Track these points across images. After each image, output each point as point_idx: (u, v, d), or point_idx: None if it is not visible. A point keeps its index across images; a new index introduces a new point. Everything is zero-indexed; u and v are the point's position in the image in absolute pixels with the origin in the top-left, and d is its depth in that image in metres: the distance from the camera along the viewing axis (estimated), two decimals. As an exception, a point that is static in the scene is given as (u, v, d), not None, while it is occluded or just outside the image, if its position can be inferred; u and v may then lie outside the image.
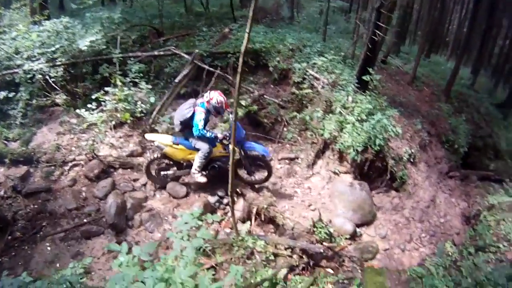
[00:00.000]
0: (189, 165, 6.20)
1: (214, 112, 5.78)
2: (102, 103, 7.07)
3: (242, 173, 6.58)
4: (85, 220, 5.64)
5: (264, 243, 5.27)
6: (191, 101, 5.81)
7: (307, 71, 8.44)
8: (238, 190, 6.26)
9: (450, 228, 7.97)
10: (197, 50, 8.51)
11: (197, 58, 8.48)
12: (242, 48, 3.59)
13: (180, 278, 2.70)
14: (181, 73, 8.24)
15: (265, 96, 8.43)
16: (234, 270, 3.71)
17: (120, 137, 7.31)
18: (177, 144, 5.94)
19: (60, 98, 7.59)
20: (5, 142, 6.70)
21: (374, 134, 7.09)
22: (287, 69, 8.68)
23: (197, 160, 5.90)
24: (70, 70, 8.06)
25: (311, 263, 5.53)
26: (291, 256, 5.40)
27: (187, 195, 6.52)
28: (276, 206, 6.22)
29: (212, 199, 6.42)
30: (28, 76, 7.23)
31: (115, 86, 7.31)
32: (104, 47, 8.38)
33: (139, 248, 3.02)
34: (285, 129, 8.31)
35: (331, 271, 5.71)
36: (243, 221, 6.04)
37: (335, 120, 7.40)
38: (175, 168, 6.33)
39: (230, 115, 5.99)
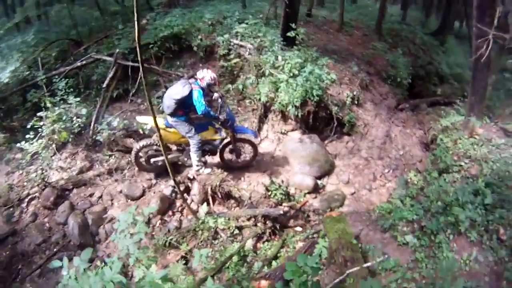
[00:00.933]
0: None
1: (207, 90, 5.43)
2: (39, 129, 6.71)
3: (229, 156, 6.35)
4: (55, 250, 5.49)
5: (224, 220, 5.12)
6: (183, 80, 5.36)
7: (231, 41, 8.02)
8: (189, 175, 6.01)
9: (411, 157, 7.84)
10: (117, 50, 8.02)
11: (120, 58, 7.98)
12: (137, 39, 3.08)
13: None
14: (107, 76, 7.79)
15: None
16: (198, 254, 3.89)
17: (67, 158, 6.96)
18: (170, 127, 5.58)
19: (6, 134, 7.45)
20: None
21: (309, 86, 6.79)
22: (211, 45, 8.25)
23: (193, 156, 5.65)
24: (1, 107, 7.84)
25: (277, 227, 5.28)
26: (255, 225, 5.19)
27: (143, 194, 6.20)
28: (229, 181, 5.83)
29: (167, 191, 6.14)
30: None
31: (46, 109, 6.93)
32: (27, 72, 8.14)
33: (78, 258, 2.74)
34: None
35: (300, 229, 5.48)
36: (203, 203, 5.75)
37: (268, 82, 7.04)
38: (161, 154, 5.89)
39: (219, 99, 5.68)
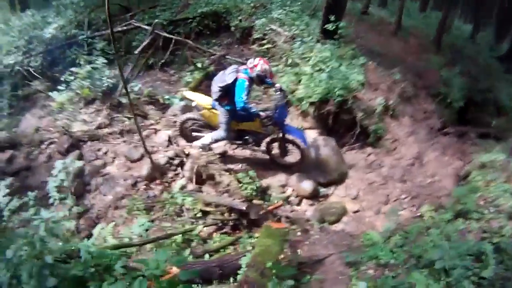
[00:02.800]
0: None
1: (257, 80, 4.95)
2: (70, 83, 6.93)
3: (276, 153, 5.86)
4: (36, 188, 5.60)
5: (192, 200, 4.80)
6: (233, 66, 5.03)
7: (268, 26, 7.36)
8: (185, 150, 5.78)
9: (439, 189, 6.46)
10: (156, 20, 7.83)
11: (158, 28, 7.78)
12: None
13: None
14: (142, 44, 7.65)
15: (226, 57, 7.48)
16: (141, 222, 4.09)
17: (92, 113, 7.01)
18: (215, 109, 5.31)
19: (42, 84, 7.78)
20: None
21: (333, 84, 5.94)
22: (249, 27, 7.69)
23: (207, 138, 5.44)
24: (46, 57, 8.15)
25: (244, 222, 4.64)
26: (222, 214, 4.70)
27: (141, 158, 5.96)
28: (216, 164, 5.33)
29: (162, 161, 5.83)
30: (9, 69, 7.46)
31: (80, 65, 7.11)
32: (75, 30, 8.37)
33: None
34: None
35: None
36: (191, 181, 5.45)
37: (291, 72, 6.30)
38: (207, 131, 5.76)
39: (279, 91, 5.19)
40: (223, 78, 4.88)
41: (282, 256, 4.27)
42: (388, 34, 8.55)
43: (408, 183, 6.47)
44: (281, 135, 5.45)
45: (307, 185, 5.67)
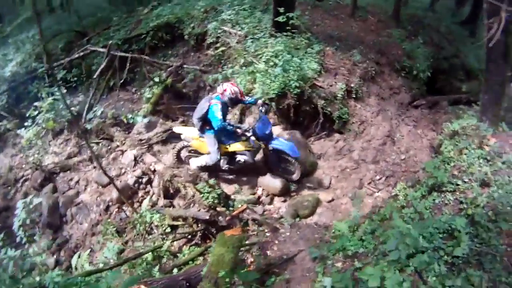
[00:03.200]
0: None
1: (231, 103, 5.24)
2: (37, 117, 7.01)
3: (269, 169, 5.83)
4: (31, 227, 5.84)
5: (160, 217, 4.90)
6: (207, 97, 5.34)
7: (220, 28, 7.24)
8: (150, 167, 5.90)
9: (415, 164, 6.40)
10: (111, 41, 7.73)
11: (113, 49, 7.70)
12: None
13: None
14: (100, 67, 7.61)
15: (184, 66, 7.38)
16: (110, 246, 4.24)
17: (61, 143, 7.19)
18: (203, 138, 5.49)
19: (10, 123, 7.91)
20: None
21: (288, 77, 5.84)
22: (202, 33, 7.56)
23: (202, 160, 5.58)
24: (11, 95, 8.27)
25: (213, 231, 4.58)
26: (191, 226, 4.70)
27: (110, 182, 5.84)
28: (180, 177, 5.30)
29: (131, 181, 5.92)
30: None
31: (42, 99, 7.16)
32: (35, 64, 8.41)
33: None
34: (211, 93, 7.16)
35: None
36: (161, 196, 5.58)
37: (246, 72, 6.19)
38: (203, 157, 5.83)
39: (261, 108, 5.35)
40: (199, 110, 5.17)
41: (251, 260, 4.23)
42: (345, 17, 8.39)
43: (382, 163, 6.37)
44: (265, 148, 5.48)
45: (276, 183, 5.60)
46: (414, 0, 10.64)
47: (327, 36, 7.67)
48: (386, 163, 6.39)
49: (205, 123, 5.22)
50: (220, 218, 4.39)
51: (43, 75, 7.98)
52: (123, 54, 7.52)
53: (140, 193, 5.85)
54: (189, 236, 4.67)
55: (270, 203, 5.68)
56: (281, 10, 6.57)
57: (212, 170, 5.72)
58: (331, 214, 5.36)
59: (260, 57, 6.21)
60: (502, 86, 5.19)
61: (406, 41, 8.15)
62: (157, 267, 4.15)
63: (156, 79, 7.03)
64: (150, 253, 4.27)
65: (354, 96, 6.77)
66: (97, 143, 6.83)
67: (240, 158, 5.54)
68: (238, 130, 5.15)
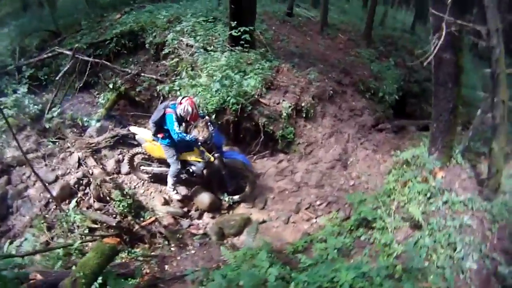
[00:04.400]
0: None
1: (181, 118, 4.98)
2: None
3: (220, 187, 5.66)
4: None
5: (81, 218, 4.97)
6: (164, 103, 5.18)
7: (178, 39, 7.09)
8: (90, 170, 5.93)
9: (365, 190, 5.96)
10: (76, 45, 7.69)
11: (79, 52, 7.64)
12: None
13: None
14: (63, 69, 7.61)
15: (141, 75, 7.25)
16: (29, 238, 4.60)
17: (22, 139, 7.00)
18: (157, 141, 5.36)
19: None
20: None
21: (226, 92, 5.60)
22: (162, 42, 7.40)
23: (169, 179, 5.42)
24: None
25: (125, 238, 4.59)
26: (108, 229, 4.73)
27: (56, 180, 6.09)
28: (109, 183, 5.42)
29: (72, 182, 5.95)
30: None
31: (8, 95, 7.11)
32: (10, 59, 8.27)
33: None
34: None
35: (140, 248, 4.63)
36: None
37: (189, 84, 5.98)
38: (154, 165, 5.80)
39: (208, 123, 5.27)
40: (155, 114, 5.04)
41: (147, 271, 4.07)
42: (314, 34, 8.10)
43: (327, 187, 5.99)
44: (220, 160, 5.29)
45: (204, 198, 5.46)
46: (396, 21, 10.18)
47: (287, 52, 7.41)
48: (332, 188, 6.00)
49: (159, 129, 5.07)
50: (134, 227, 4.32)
51: (13, 72, 7.89)
52: (85, 58, 7.44)
53: (80, 194, 5.82)
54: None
55: (199, 218, 5.52)
56: (234, 24, 6.36)
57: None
58: (258, 236, 5.03)
59: (204, 71, 5.98)
60: (452, 113, 4.67)
61: (376, 62, 7.80)
62: (60, 262, 4.13)
63: (111, 85, 6.88)
64: (61, 249, 4.32)
65: (304, 116, 6.43)
66: (54, 142, 6.77)
67: (190, 168, 5.41)
68: (200, 139, 5.04)
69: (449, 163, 4.74)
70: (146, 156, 5.76)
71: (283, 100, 6.28)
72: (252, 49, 6.75)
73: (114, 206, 4.88)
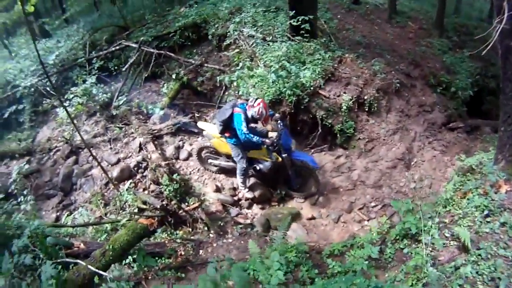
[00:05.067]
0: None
1: (251, 119, 4.95)
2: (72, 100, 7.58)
3: (285, 183, 5.63)
4: (49, 188, 6.75)
5: (133, 198, 5.23)
6: (231, 102, 5.12)
7: (240, 30, 7.07)
8: (149, 154, 6.18)
9: (426, 196, 5.42)
10: (142, 38, 8.14)
11: (144, 45, 8.07)
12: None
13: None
14: (129, 61, 8.07)
15: (204, 65, 7.39)
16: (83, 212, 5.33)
17: (92, 124, 7.75)
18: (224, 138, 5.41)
19: (56, 101, 8.40)
20: (19, 142, 7.99)
21: (282, 84, 5.51)
22: (224, 34, 7.44)
23: (238, 178, 5.49)
24: (59, 78, 8.92)
25: (170, 220, 4.72)
26: (156, 210, 4.83)
27: (117, 162, 6.55)
28: (164, 167, 5.66)
29: (131, 165, 6.33)
30: (28, 90, 8.39)
31: (77, 85, 7.73)
32: (81, 52, 8.99)
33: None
34: (226, 93, 7.08)
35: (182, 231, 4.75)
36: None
37: (247, 75, 5.94)
38: (222, 159, 5.88)
39: (279, 121, 5.14)
40: (221, 114, 4.97)
41: (181, 253, 4.23)
42: (382, 22, 7.51)
43: (384, 188, 5.63)
44: (288, 161, 5.17)
45: (254, 188, 5.48)
46: (473, 8, 9.05)
47: (353, 42, 6.99)
48: (390, 189, 5.60)
49: (226, 128, 4.99)
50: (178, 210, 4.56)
51: (84, 64, 8.57)
52: (150, 49, 7.80)
53: (138, 176, 6.17)
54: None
55: (249, 208, 5.53)
56: (292, 13, 6.17)
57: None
58: (303, 233, 4.93)
59: (262, 62, 5.88)
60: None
61: (449, 53, 7.03)
62: (105, 236, 4.51)
63: (174, 76, 7.12)
64: (109, 224, 4.66)
65: (367, 110, 6.05)
66: (120, 128, 7.21)
67: (257, 166, 5.34)
68: (267, 141, 4.83)
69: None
70: (214, 150, 5.79)
71: (344, 93, 5.96)
72: (313, 38, 6.47)
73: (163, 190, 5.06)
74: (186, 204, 4.96)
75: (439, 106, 6.81)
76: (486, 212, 3.61)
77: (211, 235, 4.59)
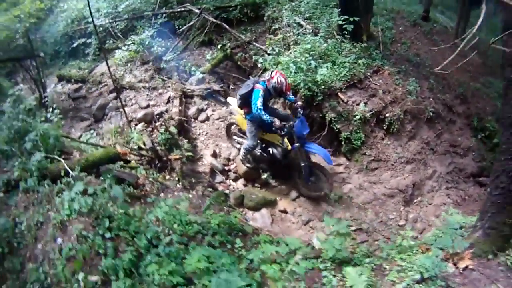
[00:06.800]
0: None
1: (275, 92, 4.98)
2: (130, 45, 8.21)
3: (298, 179, 5.38)
4: (87, 112, 7.61)
5: (138, 136, 5.74)
6: (254, 79, 5.29)
7: (292, 18, 7.01)
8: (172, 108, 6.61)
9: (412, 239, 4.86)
10: (204, 5, 8.49)
11: (205, 12, 8.40)
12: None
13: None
14: (187, 24, 8.53)
15: (252, 43, 7.56)
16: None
17: (142, 70, 8.27)
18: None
19: (120, 43, 9.14)
20: (78, 70, 8.96)
21: (300, 76, 5.47)
22: (277, 17, 7.45)
23: (241, 151, 5.48)
24: (128, 24, 9.62)
25: (157, 163, 5.11)
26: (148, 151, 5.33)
27: (147, 106, 6.96)
28: (174, 120, 6.10)
29: (156, 112, 6.74)
30: (100, 29, 9.26)
31: (139, 34, 8.34)
32: (153, 5, 9.39)
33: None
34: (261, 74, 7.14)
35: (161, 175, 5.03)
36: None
37: (274, 61, 5.99)
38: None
39: (299, 108, 5.03)
40: (243, 88, 5.05)
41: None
42: (444, 45, 6.77)
43: (370, 213, 5.19)
44: (300, 152, 5.04)
45: (243, 166, 5.55)
46: None
47: (403, 57, 6.46)
48: (376, 217, 5.15)
49: (245, 103, 5.02)
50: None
51: (150, 17, 9.05)
52: (209, 17, 8.11)
53: (158, 123, 6.51)
54: (141, 158, 5.30)
55: (235, 180, 5.65)
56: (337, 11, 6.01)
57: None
58: (267, 221, 4.90)
59: (293, 52, 5.81)
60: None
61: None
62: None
63: (219, 46, 7.37)
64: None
65: (385, 128, 5.58)
66: (163, 80, 7.61)
67: (271, 150, 5.28)
68: (277, 123, 4.71)
69: (493, 255, 3.41)
70: (240, 128, 5.77)
71: (365, 103, 5.60)
72: (356, 41, 6.15)
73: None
74: (172, 153, 5.27)
75: (475, 153, 6.02)
76: (420, 276, 3.26)
77: (178, 185, 4.83)
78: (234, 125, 5.87)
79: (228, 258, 2.98)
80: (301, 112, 4.96)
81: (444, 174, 5.90)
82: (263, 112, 4.70)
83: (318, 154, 5.01)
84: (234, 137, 5.96)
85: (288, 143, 5.02)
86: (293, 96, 5.17)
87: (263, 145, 5.34)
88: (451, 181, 5.88)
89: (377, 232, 4.91)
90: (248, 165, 5.51)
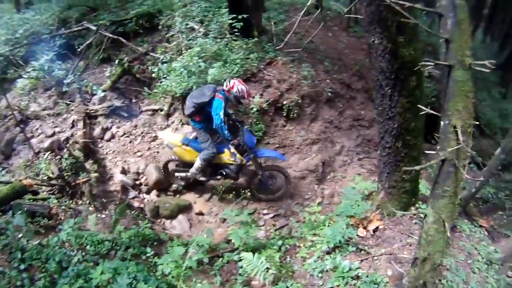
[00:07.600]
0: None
1: (235, 101, 4.89)
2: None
3: (255, 187, 5.34)
4: None
5: (45, 166, 5.69)
6: (211, 86, 4.92)
7: (185, 23, 7.02)
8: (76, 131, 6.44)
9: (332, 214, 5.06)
10: (101, 21, 8.26)
11: (102, 29, 8.16)
12: None
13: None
14: (85, 42, 8.17)
15: (149, 54, 7.43)
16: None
17: (46, 97, 7.77)
18: (186, 145, 5.20)
19: (22, 71, 8.46)
20: None
21: (191, 79, 5.52)
22: (171, 25, 7.40)
23: (198, 161, 5.12)
24: (29, 49, 8.88)
25: (68, 190, 5.13)
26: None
27: (52, 135, 6.61)
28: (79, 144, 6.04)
29: (62, 138, 6.52)
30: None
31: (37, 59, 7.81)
32: (50, 29, 9.08)
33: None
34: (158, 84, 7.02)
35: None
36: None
37: (168, 69, 5.97)
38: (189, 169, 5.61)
39: (237, 123, 5.11)
40: (200, 95, 4.76)
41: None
42: (338, 30, 7.18)
43: (285, 198, 5.26)
44: (255, 161, 5.08)
45: (152, 174, 5.47)
46: None
47: (297, 46, 6.65)
48: (291, 200, 5.23)
49: (199, 112, 4.79)
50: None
51: (49, 40, 8.51)
52: (105, 33, 7.88)
53: (65, 150, 6.21)
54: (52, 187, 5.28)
55: (148, 193, 5.54)
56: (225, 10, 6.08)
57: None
58: (186, 226, 4.96)
59: (185, 56, 5.82)
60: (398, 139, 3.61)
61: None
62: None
63: (116, 61, 7.20)
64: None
65: (285, 115, 5.71)
66: (67, 104, 7.29)
67: (224, 171, 5.17)
68: (234, 140, 4.86)
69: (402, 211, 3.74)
70: (179, 162, 5.44)
71: (261, 95, 5.71)
72: (247, 38, 6.29)
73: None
74: (79, 178, 5.21)
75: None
76: (326, 247, 3.43)
77: (90, 208, 4.84)
78: (171, 162, 5.48)
79: (135, 267, 3.09)
80: (241, 126, 4.97)
81: (353, 147, 6.19)
82: (225, 126, 4.67)
83: (270, 157, 5.18)
84: (176, 174, 5.50)
85: (242, 157, 4.98)
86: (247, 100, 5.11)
87: (214, 170, 5.21)
88: (361, 152, 6.18)
89: (295, 214, 5.06)
90: (203, 178, 5.24)
